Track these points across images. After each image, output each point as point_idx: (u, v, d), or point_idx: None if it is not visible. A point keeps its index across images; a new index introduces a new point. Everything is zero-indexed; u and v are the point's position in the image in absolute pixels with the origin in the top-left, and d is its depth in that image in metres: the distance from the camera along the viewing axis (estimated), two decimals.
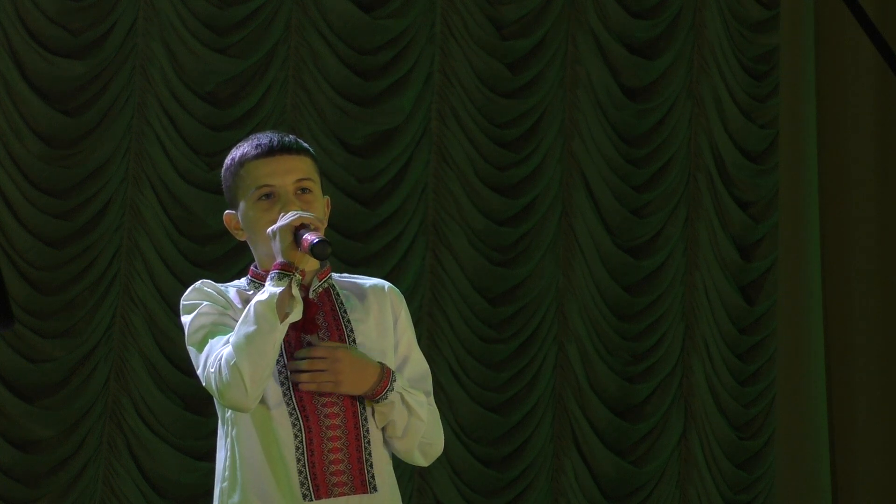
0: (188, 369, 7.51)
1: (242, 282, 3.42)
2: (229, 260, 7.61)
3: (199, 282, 3.37)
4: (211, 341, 3.23)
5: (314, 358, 3.25)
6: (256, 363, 3.14)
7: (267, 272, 3.29)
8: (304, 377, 3.25)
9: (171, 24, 7.56)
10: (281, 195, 3.33)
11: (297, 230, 3.22)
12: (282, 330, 3.16)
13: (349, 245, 7.83)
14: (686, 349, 8.57)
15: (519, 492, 8.05)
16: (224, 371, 3.15)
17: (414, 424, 3.33)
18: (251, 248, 3.44)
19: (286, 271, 3.19)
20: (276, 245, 3.21)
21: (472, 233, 8.11)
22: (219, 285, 3.39)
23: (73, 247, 7.36)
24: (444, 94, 8.17)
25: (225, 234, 7.63)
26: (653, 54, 8.64)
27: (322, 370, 3.24)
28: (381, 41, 8.00)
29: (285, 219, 3.23)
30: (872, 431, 8.77)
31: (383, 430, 3.32)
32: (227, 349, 3.16)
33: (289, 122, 7.79)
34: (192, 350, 3.29)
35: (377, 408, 3.29)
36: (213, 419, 7.63)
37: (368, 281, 3.47)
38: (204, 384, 3.25)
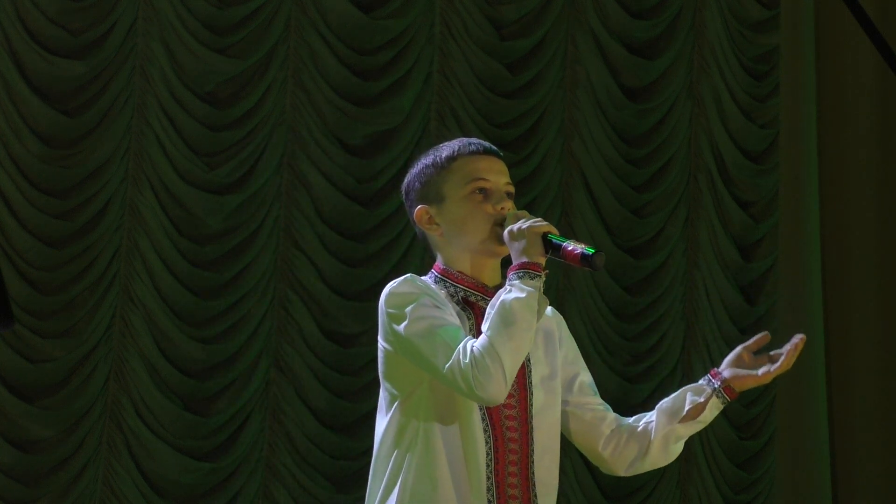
0: (188, 369, 7.54)
1: (429, 279, 3.40)
2: (229, 260, 7.62)
3: (409, 275, 3.35)
4: (440, 332, 3.21)
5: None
6: (516, 358, 3.16)
7: (461, 273, 3.36)
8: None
9: (171, 24, 7.56)
10: (494, 192, 3.39)
11: (545, 238, 3.27)
12: (535, 329, 3.22)
13: (349, 245, 7.83)
14: (686, 349, 8.57)
15: None
16: (484, 363, 3.13)
17: None
18: (442, 245, 3.42)
19: (535, 271, 3.22)
20: (520, 245, 3.25)
21: None
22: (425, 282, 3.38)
23: (73, 247, 7.36)
24: (443, 94, 8.17)
25: (224, 233, 7.67)
26: (653, 54, 8.64)
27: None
28: (381, 41, 8.00)
29: (533, 222, 3.29)
30: (872, 431, 8.76)
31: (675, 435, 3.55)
32: (481, 342, 3.16)
33: (288, 122, 7.79)
34: (417, 341, 3.22)
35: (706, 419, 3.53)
36: (213, 419, 7.65)
37: None
38: (445, 373, 3.18)
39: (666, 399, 3.44)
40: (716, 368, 3.40)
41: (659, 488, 8.39)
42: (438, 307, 3.27)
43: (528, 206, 8.25)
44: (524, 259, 3.23)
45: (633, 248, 8.51)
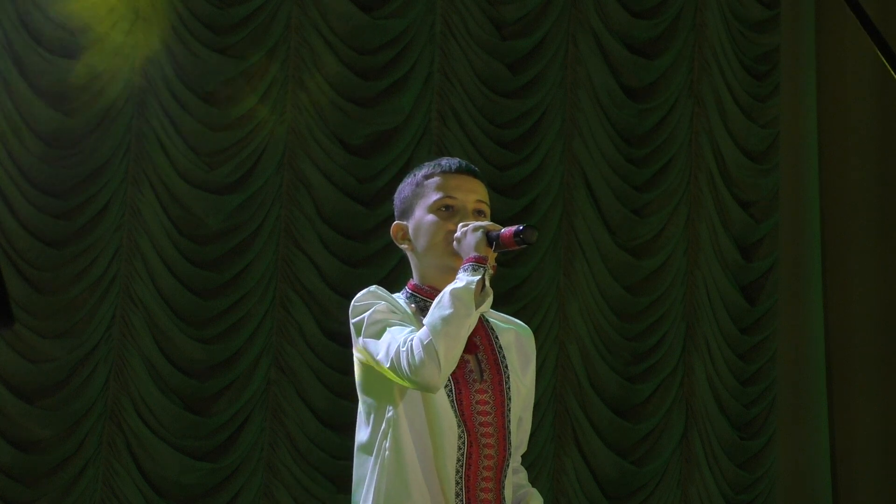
0: (188, 369, 7.54)
1: (401, 295, 3.49)
2: (229, 260, 7.62)
3: (373, 286, 3.45)
4: (390, 329, 3.32)
5: None
6: (451, 343, 3.22)
7: (432, 288, 3.43)
8: None
9: (171, 24, 7.56)
10: (460, 210, 3.46)
11: (487, 232, 3.34)
12: (475, 318, 3.26)
13: (349, 245, 7.83)
14: (687, 349, 8.56)
15: None
16: (417, 350, 3.22)
17: None
18: (413, 260, 3.52)
19: (480, 264, 3.29)
20: (469, 241, 3.34)
21: None
22: (388, 293, 3.47)
23: (73, 247, 7.36)
24: (444, 94, 8.17)
25: (225, 233, 7.67)
26: (653, 54, 8.64)
27: None
28: (381, 41, 8.00)
29: (477, 223, 3.37)
30: (872, 431, 8.77)
31: None
32: (420, 332, 3.26)
33: (289, 122, 7.79)
34: (368, 341, 3.34)
35: None
36: (213, 419, 7.65)
37: (512, 318, 3.60)
38: (388, 365, 3.28)
39: None
40: None
41: (660, 488, 8.38)
42: (395, 312, 3.37)
43: (529, 206, 8.25)
44: (472, 254, 3.31)
45: (633, 247, 8.51)
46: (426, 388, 3.26)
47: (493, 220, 8.51)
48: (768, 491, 8.57)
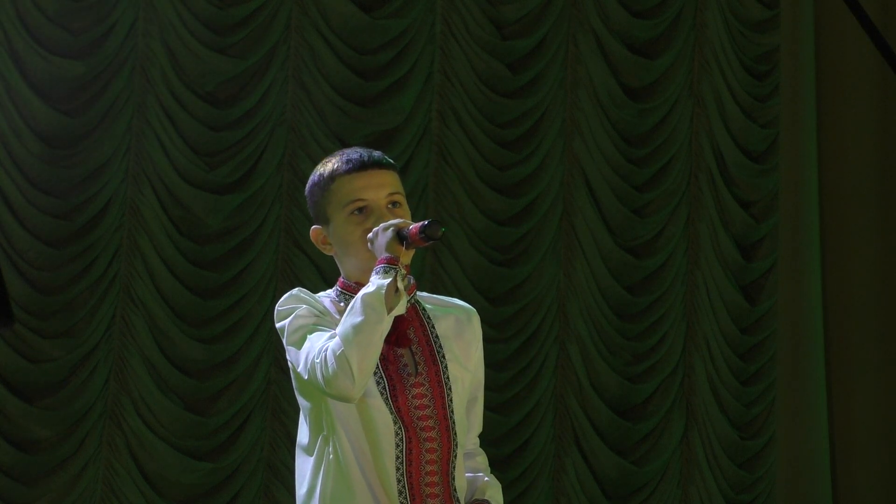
0: (188, 369, 7.54)
1: (331, 293, 3.45)
2: (229, 260, 7.62)
3: (296, 289, 3.41)
4: (310, 337, 3.27)
5: None
6: (364, 352, 3.17)
7: (358, 284, 3.35)
8: None
9: (171, 24, 7.57)
10: (374, 209, 3.37)
11: (398, 231, 3.27)
12: (388, 321, 3.21)
13: None
14: (687, 349, 8.56)
15: (520, 491, 8.04)
16: (330, 361, 3.19)
17: None
18: (339, 263, 3.46)
19: (391, 265, 3.23)
20: (381, 242, 3.26)
21: (473, 233, 8.11)
22: (312, 295, 3.43)
23: (73, 247, 7.36)
24: (444, 94, 8.17)
25: (225, 233, 7.67)
26: (654, 54, 8.64)
27: None
28: (381, 41, 8.00)
29: (389, 222, 3.29)
30: (872, 431, 8.77)
31: None
32: (334, 341, 3.20)
33: (289, 122, 7.79)
34: (291, 349, 3.33)
35: None
36: (213, 419, 7.65)
37: (452, 301, 3.53)
38: (307, 377, 3.27)
39: None
40: None
41: (660, 488, 8.38)
42: (317, 315, 3.33)
43: (529, 206, 8.25)
44: (383, 255, 3.25)
45: (634, 247, 8.51)
46: (343, 399, 3.23)
47: (492, 218, 8.48)
48: (768, 491, 8.57)
